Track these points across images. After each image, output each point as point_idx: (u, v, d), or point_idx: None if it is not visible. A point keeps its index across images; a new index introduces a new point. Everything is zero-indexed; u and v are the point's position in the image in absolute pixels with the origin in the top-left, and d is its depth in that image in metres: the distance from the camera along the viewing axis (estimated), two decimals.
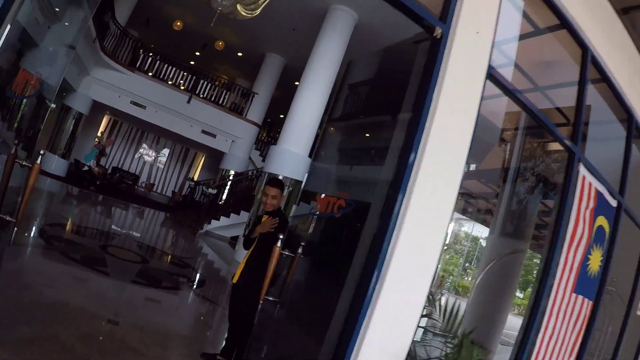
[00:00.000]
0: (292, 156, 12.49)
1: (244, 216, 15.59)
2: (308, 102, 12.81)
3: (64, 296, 5.14)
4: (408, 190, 2.41)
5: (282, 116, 27.43)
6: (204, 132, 19.12)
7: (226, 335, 4.29)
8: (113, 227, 11.40)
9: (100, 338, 4.34)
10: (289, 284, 3.45)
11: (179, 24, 18.88)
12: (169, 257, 10.21)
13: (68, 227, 9.26)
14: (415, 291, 2.57)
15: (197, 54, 23.02)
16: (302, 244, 3.43)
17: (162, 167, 24.22)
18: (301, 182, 12.74)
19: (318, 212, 3.17)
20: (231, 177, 17.82)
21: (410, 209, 2.38)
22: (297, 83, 21.86)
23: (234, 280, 4.12)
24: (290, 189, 12.43)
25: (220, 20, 17.99)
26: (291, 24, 15.81)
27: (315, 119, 12.87)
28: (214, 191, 14.97)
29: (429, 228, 2.42)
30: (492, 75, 3.12)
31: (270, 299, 3.38)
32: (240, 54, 21.08)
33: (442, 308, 3.57)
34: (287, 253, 3.36)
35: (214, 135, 19.23)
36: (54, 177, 16.47)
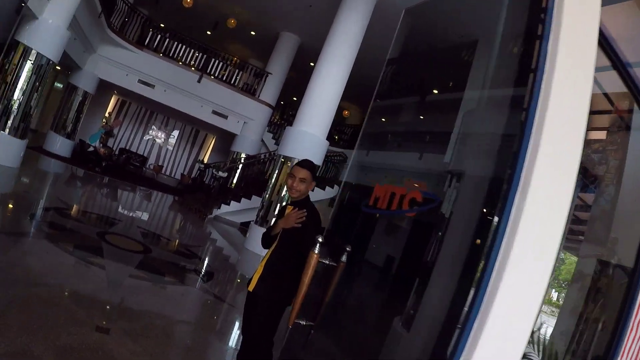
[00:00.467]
0: (309, 138, 11.69)
1: (256, 201, 14.82)
2: (327, 81, 11.98)
3: (46, 295, 4.36)
4: (521, 187, 1.53)
5: (295, 99, 27.03)
6: (214, 112, 18.29)
7: (238, 351, 3.45)
8: (116, 211, 10.66)
9: (84, 353, 3.54)
10: (328, 302, 2.59)
11: (189, 0, 18.01)
12: (175, 244, 9.42)
13: (65, 212, 8.48)
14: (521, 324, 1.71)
15: (209, 33, 22.22)
16: (348, 248, 2.56)
17: (171, 149, 23.42)
18: (318, 166, 11.97)
19: (374, 207, 2.26)
20: (242, 160, 17.00)
21: (526, 212, 1.52)
22: (312, 64, 21.18)
23: (250, 288, 3.27)
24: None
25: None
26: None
27: (334, 100, 12.08)
28: (225, 174, 14.18)
29: (545, 239, 1.60)
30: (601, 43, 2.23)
31: (302, 322, 2.52)
32: (253, 33, 20.27)
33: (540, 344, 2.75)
34: (328, 262, 2.50)
35: (225, 116, 18.42)
36: (59, 157, 15.78)
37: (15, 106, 10.57)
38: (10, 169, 10.30)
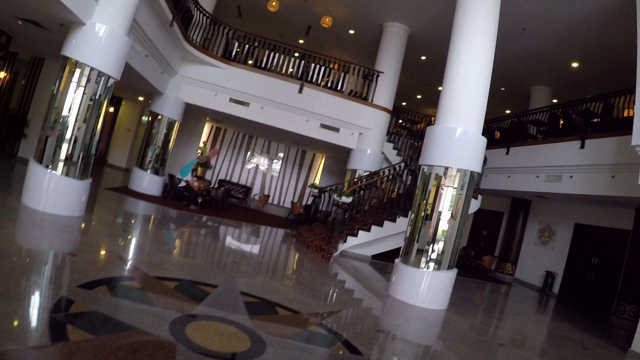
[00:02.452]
0: (463, 138, 8.31)
1: (389, 228, 11.64)
2: (471, 59, 8.65)
3: None
4: None
5: (404, 104, 23.90)
6: (323, 126, 15.27)
7: None
8: (209, 269, 7.76)
9: None
10: None
11: (274, 3, 15.44)
12: (303, 319, 5.78)
13: (124, 285, 5.58)
14: None
15: (301, 41, 19.61)
16: None
17: (276, 174, 20.71)
18: (476, 174, 8.62)
19: None
20: (366, 179, 13.80)
21: None
22: (423, 57, 18.03)
23: None
24: (464, 186, 8.31)
25: None
26: None
27: (484, 83, 8.64)
28: (349, 199, 11.00)
29: None
30: None
31: None
32: (352, 32, 17.42)
33: None
34: None
35: (336, 129, 15.32)
36: (146, 197, 13.46)
37: (67, 135, 8.04)
38: (67, 219, 7.74)
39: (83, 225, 7.98)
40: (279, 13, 16.98)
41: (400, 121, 17.66)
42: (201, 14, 13.90)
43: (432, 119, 20.99)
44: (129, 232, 8.90)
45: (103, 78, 8.27)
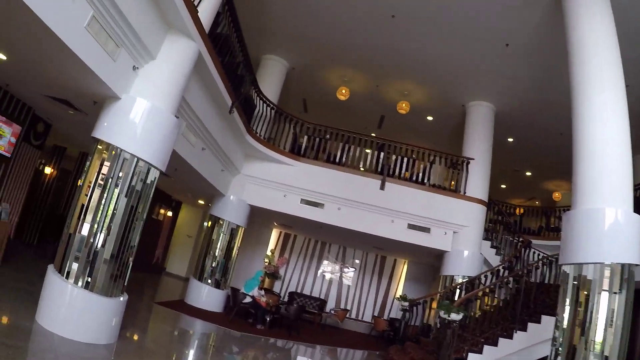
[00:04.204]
0: (613, 221, 6.08)
1: (506, 346, 9.04)
2: (604, 116, 6.75)
3: None
4: None
5: (503, 186, 21.70)
6: (411, 226, 12.94)
7: None
8: None
9: None
10: None
11: (344, 91, 14.22)
12: None
13: None
14: None
15: (373, 135, 18.03)
16: None
17: (353, 284, 18.30)
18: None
19: None
20: (466, 287, 11.35)
21: None
22: (510, 139, 15.94)
23: None
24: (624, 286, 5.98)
25: (397, 75, 13.52)
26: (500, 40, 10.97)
27: (624, 144, 6.58)
28: (459, 316, 8.55)
29: None
30: None
31: None
32: (430, 118, 15.75)
33: None
34: None
35: (427, 230, 12.98)
36: (205, 315, 11.53)
37: (94, 238, 6.30)
38: (89, 349, 5.81)
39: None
40: (348, 104, 15.65)
41: (496, 215, 15.17)
42: (264, 105, 12.53)
43: (519, 210, 19.01)
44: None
45: (141, 166, 6.60)
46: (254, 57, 12.16)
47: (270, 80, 14.18)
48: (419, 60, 12.73)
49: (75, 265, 6.19)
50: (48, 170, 14.21)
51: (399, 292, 17.44)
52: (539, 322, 9.26)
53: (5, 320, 6.08)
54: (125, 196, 6.47)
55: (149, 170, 6.72)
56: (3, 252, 9.25)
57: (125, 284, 6.83)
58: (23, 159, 10.56)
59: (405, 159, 13.58)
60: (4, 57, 7.01)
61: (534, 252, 13.34)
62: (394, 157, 13.54)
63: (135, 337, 7.63)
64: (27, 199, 13.16)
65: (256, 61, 13.73)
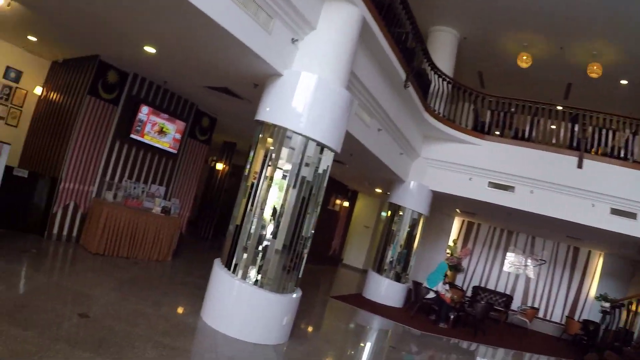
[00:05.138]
0: None
1: None
2: None
3: None
4: None
5: None
6: (615, 211, 10.84)
7: None
8: None
9: None
10: None
11: (525, 57, 12.62)
12: None
13: None
14: None
15: (559, 108, 15.72)
16: None
17: (542, 279, 16.19)
18: None
19: None
20: None
21: None
22: None
23: None
24: None
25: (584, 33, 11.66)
26: None
27: None
28: None
29: None
30: None
31: None
32: (624, 82, 13.25)
33: None
34: None
35: (632, 215, 10.76)
36: (384, 310, 10.76)
37: (269, 230, 5.69)
38: (257, 350, 5.30)
39: None
40: (529, 74, 13.70)
41: None
42: (440, 79, 11.23)
43: None
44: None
45: (312, 148, 5.78)
46: (421, 30, 10.93)
47: (442, 54, 12.79)
48: (610, 10, 10.45)
49: (243, 259, 5.59)
50: (220, 166, 14.41)
51: (593, 290, 15.15)
52: None
53: (169, 316, 5.69)
54: (295, 183, 5.77)
55: (322, 151, 5.89)
56: (174, 247, 9.28)
57: (299, 278, 6.10)
58: (190, 154, 10.62)
59: (604, 131, 11.38)
60: (153, 51, 6.85)
61: None
62: (590, 129, 11.43)
63: (308, 336, 6.93)
64: (202, 195, 13.28)
65: (424, 35, 12.46)
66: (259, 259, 5.61)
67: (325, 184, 6.17)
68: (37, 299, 4.99)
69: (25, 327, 4.08)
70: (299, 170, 5.73)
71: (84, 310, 4.98)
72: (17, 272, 5.87)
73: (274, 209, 5.67)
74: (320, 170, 5.94)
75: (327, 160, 6.04)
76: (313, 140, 5.76)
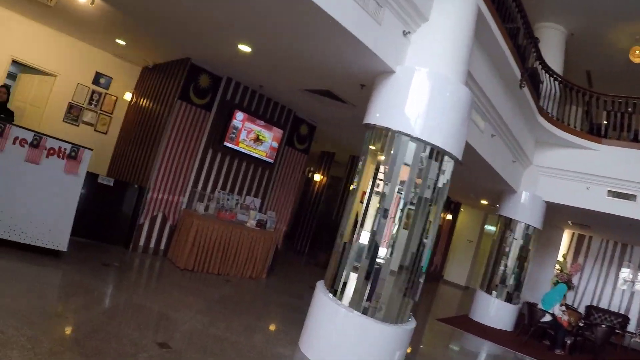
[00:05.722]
0: None
1: None
2: None
3: None
4: None
5: None
6: None
7: None
8: None
9: None
10: None
11: (638, 51, 11.30)
12: None
13: None
14: None
15: None
16: None
17: None
18: None
19: None
20: None
21: None
22: None
23: None
24: None
25: None
26: None
27: None
28: None
29: None
30: None
31: None
32: None
33: None
34: None
35: None
36: (492, 333, 9.88)
37: (382, 249, 4.96)
38: None
39: None
40: (635, 71, 12.26)
41: None
42: (552, 78, 10.14)
43: None
44: None
45: (428, 154, 5.02)
46: None
47: (548, 51, 11.61)
48: None
49: (351, 285, 4.88)
50: (317, 177, 13.91)
51: None
52: None
53: (263, 346, 5.06)
54: (414, 196, 4.96)
55: (441, 159, 5.09)
56: (270, 263, 8.82)
57: (415, 304, 5.36)
58: (288, 164, 10.13)
59: None
60: (248, 49, 6.36)
61: None
62: None
63: None
64: (299, 207, 12.79)
65: None
66: (368, 283, 4.88)
67: (446, 195, 5.37)
68: (112, 322, 4.48)
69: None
70: (421, 177, 4.98)
71: (165, 339, 4.42)
72: (95, 289, 5.44)
73: (390, 223, 4.93)
74: (440, 184, 5.15)
75: (447, 169, 5.25)
76: (432, 145, 4.98)
